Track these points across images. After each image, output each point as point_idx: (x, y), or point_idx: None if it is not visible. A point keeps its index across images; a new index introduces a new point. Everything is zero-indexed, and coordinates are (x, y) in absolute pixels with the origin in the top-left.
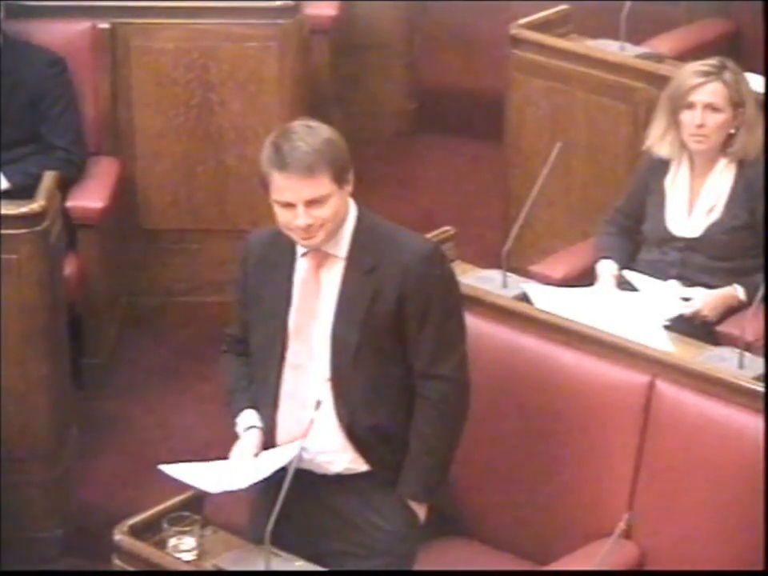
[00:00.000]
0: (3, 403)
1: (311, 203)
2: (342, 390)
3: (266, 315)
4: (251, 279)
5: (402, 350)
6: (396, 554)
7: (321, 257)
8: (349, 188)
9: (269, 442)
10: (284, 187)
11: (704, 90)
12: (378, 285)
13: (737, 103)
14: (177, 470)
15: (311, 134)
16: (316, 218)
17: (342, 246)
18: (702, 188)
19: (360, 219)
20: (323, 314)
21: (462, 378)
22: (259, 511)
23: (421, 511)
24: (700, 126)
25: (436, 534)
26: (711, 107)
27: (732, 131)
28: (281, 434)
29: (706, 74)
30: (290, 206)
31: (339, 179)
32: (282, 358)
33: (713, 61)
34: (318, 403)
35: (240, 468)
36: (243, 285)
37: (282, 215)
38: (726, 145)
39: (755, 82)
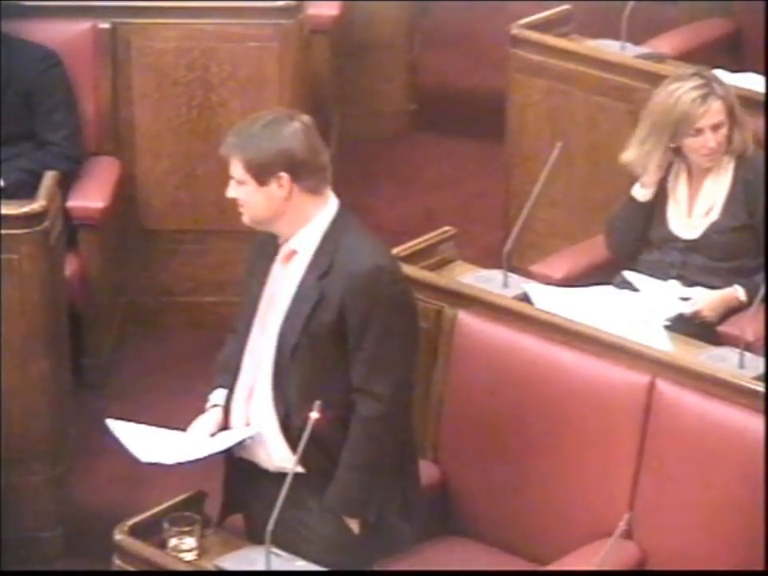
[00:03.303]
0: (3, 403)
1: (236, 181)
2: (281, 386)
3: (248, 300)
4: (248, 269)
5: (344, 360)
6: (330, 562)
7: (289, 251)
8: (278, 191)
9: (226, 425)
10: None
11: (709, 114)
12: (324, 292)
13: (730, 109)
14: (121, 428)
15: (255, 124)
16: (239, 196)
17: (308, 243)
18: (701, 189)
19: (335, 221)
20: (280, 307)
21: (397, 401)
22: (228, 503)
23: (353, 524)
24: (713, 148)
25: (435, 534)
26: (717, 126)
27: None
28: (232, 419)
29: (704, 96)
30: None
31: (255, 174)
32: (244, 345)
33: (698, 81)
34: (318, 404)
35: (184, 444)
36: (246, 274)
37: None
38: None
39: (755, 81)
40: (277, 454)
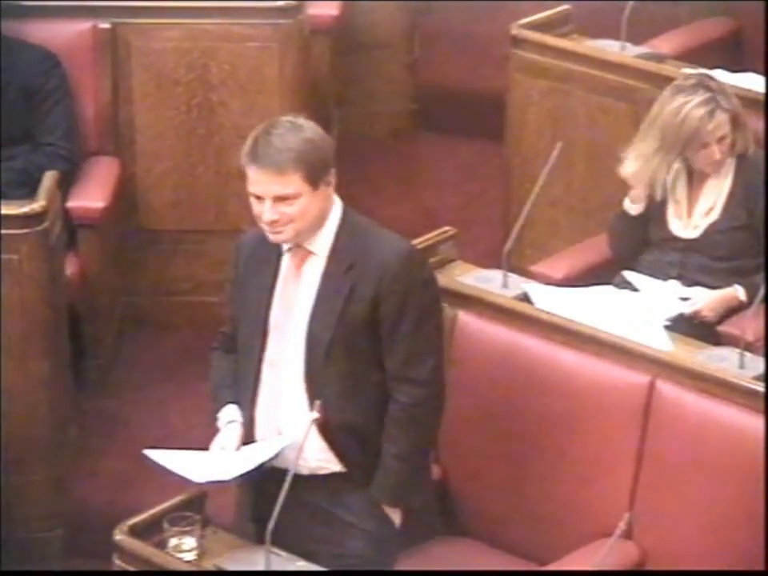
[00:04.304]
0: (3, 403)
1: (279, 199)
2: (315, 386)
3: (249, 311)
4: (240, 277)
5: (377, 351)
6: (370, 556)
7: (302, 254)
8: (328, 189)
9: (248, 439)
10: (255, 180)
11: (715, 129)
12: (355, 283)
13: (735, 118)
14: (163, 457)
15: (291, 132)
16: (282, 214)
17: (324, 243)
18: (702, 189)
19: (344, 218)
20: (300, 311)
21: (436, 383)
22: (242, 510)
23: (395, 515)
24: (719, 160)
25: (434, 535)
26: (723, 138)
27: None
28: (259, 431)
29: (711, 112)
30: (260, 198)
31: (313, 180)
32: (260, 355)
33: (704, 95)
34: (317, 404)
35: (224, 460)
36: (234, 283)
37: (254, 206)
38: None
39: (755, 81)
40: (312, 456)
